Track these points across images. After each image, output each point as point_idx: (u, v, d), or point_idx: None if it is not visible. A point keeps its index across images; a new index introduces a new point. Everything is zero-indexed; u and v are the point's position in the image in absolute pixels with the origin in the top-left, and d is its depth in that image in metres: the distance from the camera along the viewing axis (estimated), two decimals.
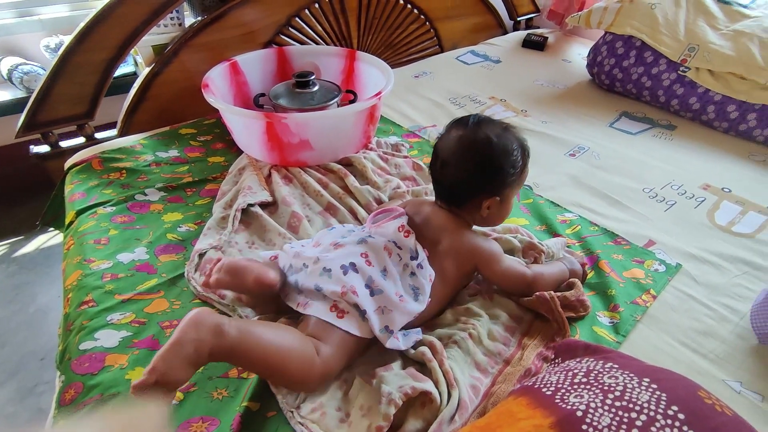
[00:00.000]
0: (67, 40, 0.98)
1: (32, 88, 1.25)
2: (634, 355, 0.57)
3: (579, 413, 0.39)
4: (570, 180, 0.98)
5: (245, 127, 0.94)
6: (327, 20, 1.36)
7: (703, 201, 0.92)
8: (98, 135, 1.13)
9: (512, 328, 0.65)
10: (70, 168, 0.98)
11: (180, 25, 1.27)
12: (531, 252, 0.75)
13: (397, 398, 0.50)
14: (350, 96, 1.09)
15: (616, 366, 0.46)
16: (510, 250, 0.75)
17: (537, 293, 0.65)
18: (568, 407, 0.40)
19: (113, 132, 1.14)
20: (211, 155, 1.03)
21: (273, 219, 0.82)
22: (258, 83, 1.12)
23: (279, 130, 0.88)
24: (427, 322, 0.65)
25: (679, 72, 1.20)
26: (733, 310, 0.69)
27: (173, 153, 1.03)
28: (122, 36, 1.02)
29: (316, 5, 1.32)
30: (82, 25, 0.98)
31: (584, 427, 0.38)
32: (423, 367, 0.57)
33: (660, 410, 0.38)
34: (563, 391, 0.43)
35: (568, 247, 0.80)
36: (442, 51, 1.65)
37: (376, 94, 0.93)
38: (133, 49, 1.15)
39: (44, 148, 1.06)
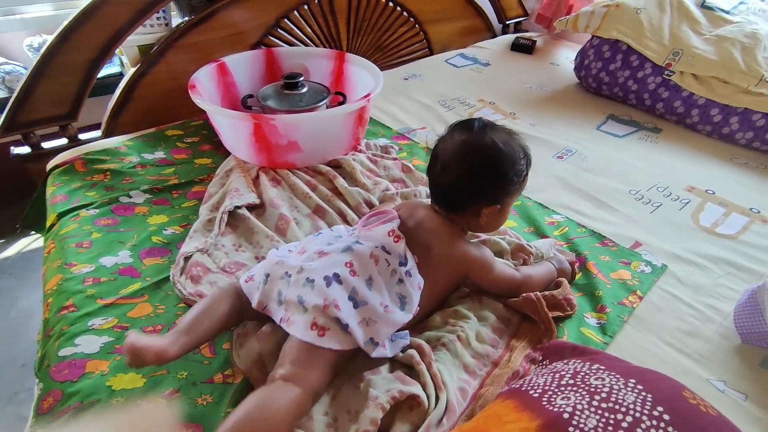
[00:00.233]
0: (50, 39, 0.96)
1: (14, 88, 1.22)
2: (621, 356, 0.58)
3: (566, 415, 0.39)
4: (558, 182, 0.99)
5: (233, 129, 0.93)
6: (316, 22, 1.36)
7: (687, 203, 0.94)
8: (82, 136, 1.11)
9: (500, 329, 0.65)
10: (51, 170, 0.96)
11: (167, 25, 1.25)
12: (520, 254, 0.75)
13: (385, 402, 0.49)
14: (339, 98, 1.09)
15: (602, 367, 0.46)
16: (499, 252, 0.76)
17: (523, 294, 0.65)
18: (555, 409, 0.40)
19: (97, 133, 1.12)
20: (198, 157, 1.02)
21: (260, 221, 0.81)
22: (246, 84, 1.11)
23: (267, 132, 0.88)
24: (416, 325, 0.64)
25: (663, 76, 1.21)
26: (717, 311, 0.70)
27: (159, 154, 1.02)
28: (106, 36, 1.00)
29: (306, 6, 1.31)
30: (65, 24, 0.96)
31: (571, 429, 0.38)
32: (411, 370, 0.57)
33: (645, 411, 0.39)
34: (550, 393, 0.43)
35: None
36: (431, 54, 1.65)
37: (365, 96, 0.92)
38: (118, 49, 1.13)
39: (25, 150, 1.04)
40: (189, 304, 0.67)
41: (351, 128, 0.96)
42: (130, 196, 0.88)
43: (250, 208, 0.84)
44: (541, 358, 0.60)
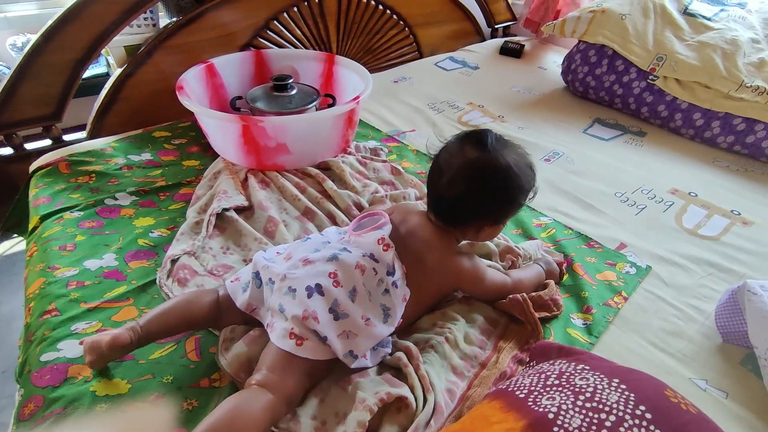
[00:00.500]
0: (34, 38, 0.94)
1: None
2: (606, 356, 0.58)
3: (551, 415, 0.40)
4: (545, 184, 1.00)
5: (221, 131, 0.92)
6: (306, 24, 1.36)
7: (671, 205, 0.95)
8: (66, 137, 1.09)
9: (488, 331, 0.66)
10: (35, 171, 0.95)
11: (154, 25, 1.24)
12: (508, 256, 0.76)
13: (373, 404, 0.50)
14: (329, 100, 1.09)
15: (587, 367, 0.46)
16: (487, 255, 0.76)
17: (510, 296, 0.66)
18: (540, 410, 0.41)
19: (83, 134, 1.10)
20: (185, 159, 1.01)
21: (249, 224, 0.81)
22: (235, 86, 1.10)
23: (256, 134, 0.87)
24: (404, 329, 0.64)
25: (648, 80, 1.24)
26: (699, 311, 0.72)
27: (146, 156, 1.01)
28: (92, 36, 0.99)
29: (295, 9, 1.31)
30: (49, 23, 0.95)
31: (555, 429, 0.38)
32: (399, 372, 0.57)
33: (628, 410, 0.39)
34: (536, 393, 0.43)
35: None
36: (421, 57, 1.66)
37: (355, 99, 0.93)
38: (104, 50, 1.11)
39: (8, 151, 1.02)
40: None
41: (340, 130, 0.96)
42: (116, 198, 0.87)
43: (239, 210, 0.84)
44: (528, 359, 0.60)
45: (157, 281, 0.70)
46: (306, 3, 1.32)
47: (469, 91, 1.39)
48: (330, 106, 1.08)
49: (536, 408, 0.41)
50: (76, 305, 0.65)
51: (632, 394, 0.41)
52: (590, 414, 0.39)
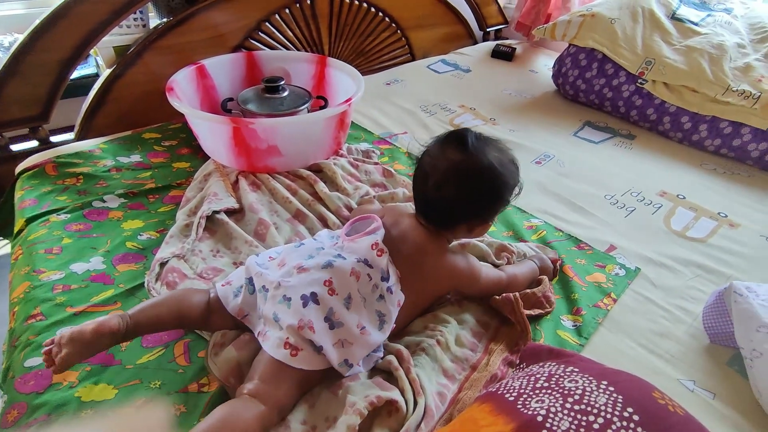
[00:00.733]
0: (21, 38, 0.93)
1: None
2: (596, 357, 0.59)
3: (539, 418, 0.40)
4: (536, 187, 1.01)
5: (212, 132, 0.91)
6: (298, 26, 1.35)
7: (660, 207, 0.97)
8: (54, 138, 1.07)
9: (479, 333, 0.66)
10: (21, 173, 0.93)
11: (144, 26, 1.23)
12: (503, 254, 0.77)
13: (363, 408, 0.49)
14: (321, 102, 1.09)
15: (576, 370, 0.47)
16: (481, 257, 0.76)
17: (503, 294, 0.66)
18: (530, 412, 0.41)
19: (70, 136, 1.09)
20: (175, 161, 1.00)
21: (239, 226, 0.80)
22: (226, 88, 1.10)
23: (246, 136, 0.87)
24: (395, 333, 0.64)
25: (637, 84, 1.25)
26: (687, 312, 0.73)
27: (135, 158, 0.99)
28: (80, 36, 0.98)
29: (287, 10, 1.31)
30: (37, 22, 0.94)
31: (544, 431, 0.39)
32: (390, 375, 0.57)
33: (616, 412, 0.39)
34: (525, 396, 0.44)
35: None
36: (413, 59, 1.67)
37: (347, 101, 0.92)
38: (93, 50, 1.10)
39: None
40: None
41: (332, 133, 0.96)
42: (104, 201, 0.86)
43: (229, 212, 0.83)
44: (518, 361, 0.60)
45: (146, 285, 0.69)
46: (298, 5, 1.32)
47: (460, 94, 1.40)
48: (322, 108, 1.07)
49: (525, 411, 0.41)
50: (61, 309, 0.64)
51: (620, 396, 0.41)
52: (579, 416, 0.39)
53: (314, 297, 0.54)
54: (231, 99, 1.05)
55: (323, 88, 1.14)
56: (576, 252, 0.83)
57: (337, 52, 1.48)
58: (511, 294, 0.66)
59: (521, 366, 0.59)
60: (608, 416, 0.39)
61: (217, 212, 0.81)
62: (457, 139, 0.61)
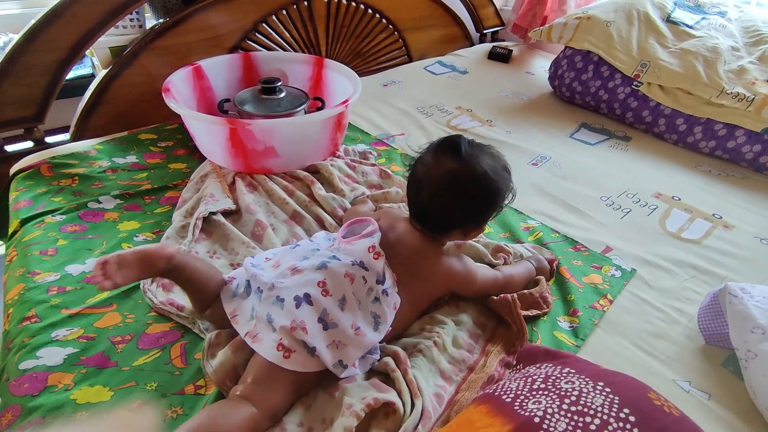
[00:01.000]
0: (16, 38, 0.93)
1: None
2: (592, 358, 0.59)
3: (536, 419, 0.40)
4: (532, 188, 1.01)
5: (208, 133, 0.91)
6: (295, 27, 1.35)
7: (655, 209, 0.97)
8: (49, 139, 1.07)
9: (476, 335, 0.66)
10: (15, 174, 0.93)
11: (140, 26, 1.22)
12: (500, 254, 0.77)
13: (360, 410, 0.49)
14: (318, 103, 1.09)
15: (573, 371, 0.47)
16: (478, 258, 0.76)
17: (501, 295, 0.67)
18: (526, 414, 0.41)
19: (66, 136, 1.08)
20: (172, 161, 1.00)
21: (236, 228, 0.80)
22: (223, 89, 1.09)
23: (243, 137, 0.87)
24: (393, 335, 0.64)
25: (632, 86, 1.26)
26: (682, 313, 0.73)
27: (131, 159, 0.99)
28: (76, 36, 0.97)
29: (284, 11, 1.31)
30: (32, 22, 0.93)
31: None
32: (387, 377, 0.57)
33: (613, 413, 0.40)
34: (522, 397, 0.44)
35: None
36: (410, 61, 1.67)
37: (344, 102, 0.92)
38: (89, 51, 1.10)
39: None
40: (160, 313, 0.65)
41: (329, 134, 0.96)
42: (100, 202, 0.85)
43: (226, 214, 0.83)
44: (515, 362, 0.61)
45: (141, 286, 0.68)
46: (295, 6, 1.32)
47: (457, 95, 1.40)
48: (319, 109, 1.07)
49: (522, 412, 0.41)
50: (57, 311, 0.64)
51: (616, 398, 0.41)
52: (575, 417, 0.40)
53: (307, 298, 0.54)
54: (228, 100, 1.04)
55: (320, 90, 1.14)
56: (572, 253, 0.83)
57: (334, 54, 1.48)
58: (508, 295, 0.66)
59: (518, 367, 0.59)
60: (605, 417, 0.39)
61: (214, 213, 0.81)
62: (451, 147, 0.61)
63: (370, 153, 1.07)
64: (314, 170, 0.95)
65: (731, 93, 1.13)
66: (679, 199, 1.00)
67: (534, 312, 0.69)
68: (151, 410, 0.53)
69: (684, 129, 1.20)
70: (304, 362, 0.52)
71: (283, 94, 1.01)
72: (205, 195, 0.84)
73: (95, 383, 0.55)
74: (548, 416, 0.40)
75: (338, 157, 1.01)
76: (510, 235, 0.87)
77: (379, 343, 0.59)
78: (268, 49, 1.31)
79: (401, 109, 1.30)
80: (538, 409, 0.41)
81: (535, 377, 0.47)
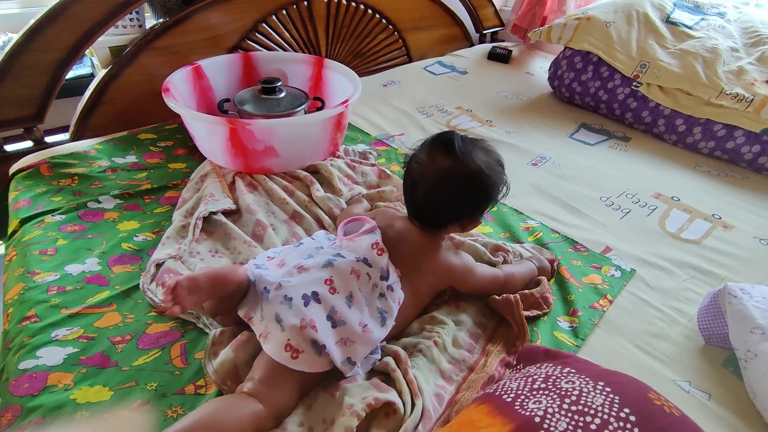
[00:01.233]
0: (16, 37, 0.92)
1: None
2: (592, 358, 0.59)
3: (537, 419, 0.40)
4: (532, 188, 1.01)
5: (208, 133, 0.91)
6: (295, 27, 1.35)
7: (655, 209, 0.97)
8: (49, 139, 1.07)
9: (476, 334, 0.66)
10: (15, 174, 0.92)
11: (140, 26, 1.22)
12: (499, 252, 0.77)
13: (360, 410, 0.49)
14: (318, 103, 1.09)
15: (573, 371, 0.47)
16: (478, 257, 0.76)
17: (503, 295, 0.67)
18: (527, 413, 0.41)
19: (65, 136, 1.08)
20: (171, 161, 1.00)
21: (237, 227, 0.80)
22: (223, 89, 1.09)
23: (243, 137, 0.87)
24: (394, 334, 0.64)
25: (632, 87, 1.26)
26: (682, 313, 0.73)
27: (131, 159, 0.99)
28: (76, 36, 0.97)
29: (284, 12, 1.31)
30: (32, 22, 0.93)
31: None
32: (388, 377, 0.57)
33: (613, 413, 0.40)
34: (523, 397, 0.44)
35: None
36: (410, 61, 1.67)
37: (344, 102, 0.92)
38: (88, 50, 1.10)
39: None
40: (161, 313, 0.65)
41: (329, 134, 0.96)
42: (100, 202, 0.85)
43: (226, 214, 0.83)
44: (515, 362, 0.61)
45: (141, 286, 0.68)
46: (295, 6, 1.32)
47: (457, 96, 1.40)
48: (319, 109, 1.07)
49: (523, 412, 0.41)
50: (56, 311, 0.64)
51: (617, 397, 0.41)
52: (576, 417, 0.40)
53: (315, 296, 0.54)
54: (227, 100, 1.04)
55: (320, 90, 1.14)
56: (572, 253, 0.83)
57: (334, 54, 1.48)
58: (511, 295, 0.66)
59: (518, 367, 0.59)
60: (605, 417, 0.39)
61: (214, 213, 0.81)
62: (444, 144, 0.62)
63: (370, 153, 1.07)
64: (314, 170, 0.95)
65: (730, 94, 1.13)
66: (679, 200, 1.00)
67: (534, 312, 0.69)
68: (151, 410, 0.53)
69: (683, 129, 1.20)
70: (311, 362, 0.52)
71: (282, 94, 1.01)
72: (205, 195, 0.84)
73: (95, 383, 0.55)
74: (549, 416, 0.40)
75: (338, 157, 1.01)
76: (510, 235, 0.87)
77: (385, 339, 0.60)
78: (268, 49, 1.31)
79: (401, 109, 1.30)
80: (539, 409, 0.41)
81: (535, 377, 0.47)
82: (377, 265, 0.59)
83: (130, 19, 1.20)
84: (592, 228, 0.91)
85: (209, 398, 0.54)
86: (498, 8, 1.85)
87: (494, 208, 0.93)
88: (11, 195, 0.88)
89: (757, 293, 0.64)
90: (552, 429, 0.39)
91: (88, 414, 0.52)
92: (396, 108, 1.30)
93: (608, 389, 0.42)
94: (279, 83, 1.00)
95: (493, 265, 0.74)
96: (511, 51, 1.71)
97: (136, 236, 0.79)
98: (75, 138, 1.07)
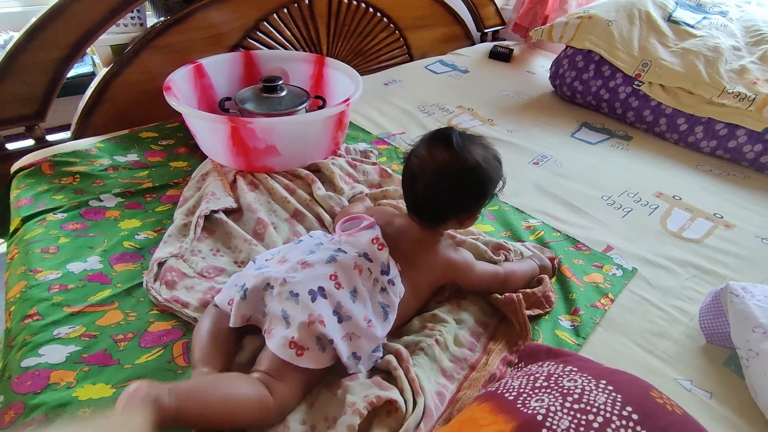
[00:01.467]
0: (17, 36, 0.92)
1: None
2: (594, 357, 0.59)
3: (539, 417, 0.40)
4: (534, 187, 1.01)
5: (209, 132, 0.91)
6: (296, 25, 1.35)
7: (656, 208, 0.97)
8: (50, 137, 1.07)
9: (478, 333, 0.66)
10: (16, 172, 0.92)
11: (141, 25, 1.22)
12: (500, 251, 0.77)
13: (362, 408, 0.49)
14: (319, 102, 1.09)
15: (575, 369, 0.47)
16: (479, 255, 0.76)
17: (506, 294, 0.67)
18: (529, 412, 0.41)
19: (67, 134, 1.08)
20: (173, 160, 1.00)
21: (238, 226, 0.80)
22: (224, 87, 1.09)
23: (244, 135, 0.87)
24: (395, 331, 0.64)
25: (633, 86, 1.26)
26: (683, 312, 0.73)
27: (132, 157, 0.99)
28: (77, 34, 0.97)
29: (285, 10, 1.31)
30: (33, 20, 0.93)
31: (544, 431, 0.39)
32: (389, 375, 0.57)
33: (615, 411, 0.40)
34: (525, 395, 0.44)
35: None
36: (411, 60, 1.67)
37: (345, 101, 0.92)
38: (89, 49, 1.09)
39: None
40: (164, 311, 0.65)
41: (330, 132, 0.96)
42: (101, 200, 0.85)
43: (227, 212, 0.83)
44: (516, 360, 0.61)
45: (144, 284, 0.68)
46: (296, 4, 1.32)
47: (458, 94, 1.40)
48: (320, 108, 1.07)
49: (525, 410, 0.41)
50: (58, 309, 0.64)
51: (619, 395, 0.41)
52: (578, 415, 0.40)
53: (322, 291, 0.54)
54: (229, 98, 1.04)
55: (321, 88, 1.14)
56: (573, 252, 0.83)
57: (336, 52, 1.48)
58: (513, 294, 0.66)
59: (519, 365, 0.60)
60: (607, 415, 0.39)
61: (216, 212, 0.81)
62: (443, 139, 0.63)
63: (372, 152, 1.07)
64: (315, 169, 0.95)
65: (732, 92, 1.13)
66: (680, 199, 1.00)
67: (537, 311, 0.69)
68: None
69: (685, 128, 1.20)
70: (316, 359, 0.52)
71: (284, 93, 1.01)
72: (206, 193, 0.84)
73: (97, 381, 0.55)
74: (551, 414, 0.40)
75: (339, 155, 1.01)
76: (511, 234, 0.87)
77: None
78: (269, 47, 1.31)
79: (402, 107, 1.30)
80: (541, 407, 0.41)
81: (537, 375, 0.47)
82: (378, 260, 0.60)
83: (132, 18, 1.20)
84: (593, 227, 0.91)
85: None
86: (499, 7, 1.85)
87: (495, 207, 0.93)
88: (13, 193, 0.88)
89: (759, 292, 0.64)
90: (554, 427, 0.39)
91: (90, 410, 0.52)
92: (397, 107, 1.30)
93: (610, 387, 0.42)
94: (280, 82, 1.00)
95: (494, 263, 0.74)
96: (513, 50, 1.71)
97: (137, 234, 0.79)
98: (76, 136, 1.07)
